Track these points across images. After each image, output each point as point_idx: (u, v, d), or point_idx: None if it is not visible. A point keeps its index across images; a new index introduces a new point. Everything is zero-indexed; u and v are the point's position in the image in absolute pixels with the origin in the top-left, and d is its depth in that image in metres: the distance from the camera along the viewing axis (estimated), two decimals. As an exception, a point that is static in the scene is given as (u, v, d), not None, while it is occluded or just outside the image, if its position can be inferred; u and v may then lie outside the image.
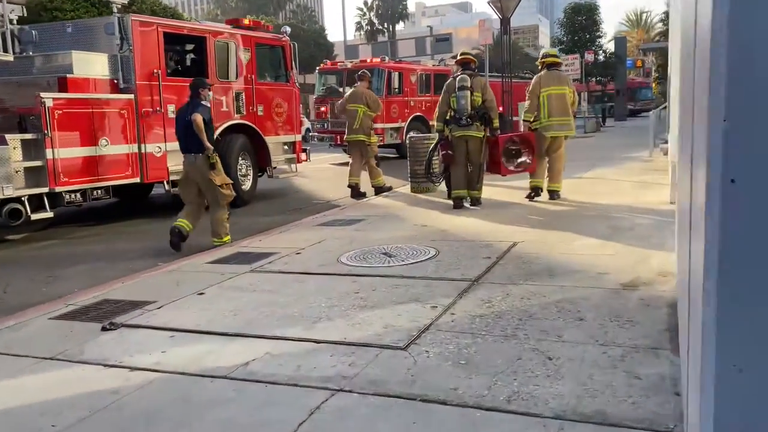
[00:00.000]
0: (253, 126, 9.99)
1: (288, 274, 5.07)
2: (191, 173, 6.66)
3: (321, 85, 18.62)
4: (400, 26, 75.97)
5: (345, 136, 10.22)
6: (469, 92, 7.66)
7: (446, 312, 3.81)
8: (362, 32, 68.95)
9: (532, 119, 8.11)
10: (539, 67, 8.46)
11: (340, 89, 17.80)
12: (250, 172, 10.09)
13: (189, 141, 6.53)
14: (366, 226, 7.14)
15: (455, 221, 7.07)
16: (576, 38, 32.39)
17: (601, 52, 34.14)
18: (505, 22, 13.85)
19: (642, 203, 7.52)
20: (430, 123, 18.08)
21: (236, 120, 9.70)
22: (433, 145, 8.48)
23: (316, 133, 18.49)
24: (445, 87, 8.00)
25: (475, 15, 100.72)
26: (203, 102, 6.64)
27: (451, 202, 8.12)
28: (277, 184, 11.69)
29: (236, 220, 8.65)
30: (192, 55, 9.91)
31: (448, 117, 7.89)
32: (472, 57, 8.33)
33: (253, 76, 9.97)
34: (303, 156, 11.32)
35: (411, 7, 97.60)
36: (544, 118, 8.01)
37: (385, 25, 69.22)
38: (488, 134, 7.89)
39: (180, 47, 9.87)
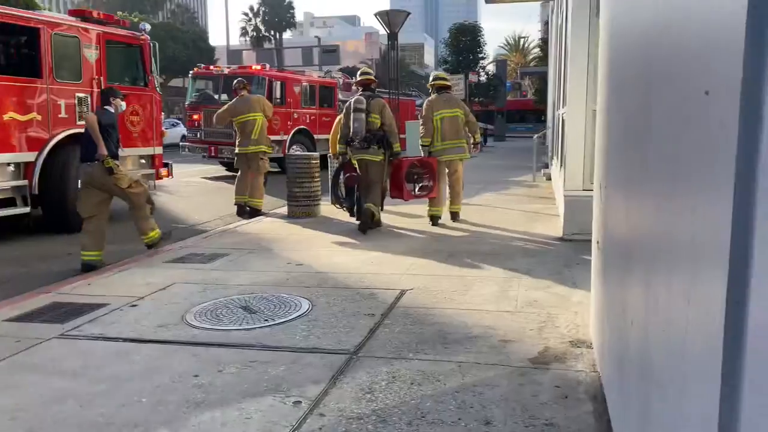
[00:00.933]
0: (101, 136, 8.46)
1: (111, 341, 3.86)
2: (91, 183, 6.14)
3: (194, 90, 17.06)
4: (287, 35, 74.51)
5: (238, 149, 9.02)
6: (364, 114, 7.35)
7: (313, 411, 2.83)
8: (247, 38, 66.71)
9: (429, 143, 7.93)
10: (429, 90, 8.28)
11: (216, 96, 16.40)
12: (96, 191, 8.54)
13: (85, 149, 6.14)
14: (229, 263, 6.01)
15: (336, 259, 6.13)
16: (461, 58, 32.93)
17: (483, 73, 35.00)
18: (392, 36, 13.23)
19: (534, 237, 7.02)
20: (315, 137, 17.26)
21: (78, 128, 8.15)
22: (337, 167, 8.09)
23: (187, 143, 16.85)
24: (344, 108, 7.75)
25: (363, 29, 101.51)
26: (108, 108, 6.33)
27: (330, 234, 7.28)
28: (133, 202, 10.13)
29: (73, 250, 7.19)
30: (25, 50, 8.22)
31: (348, 139, 7.58)
32: (372, 78, 7.96)
33: (101, 78, 8.47)
34: (164, 171, 9.87)
35: (299, 16, 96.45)
36: (438, 142, 7.84)
37: (272, 33, 67.44)
38: (390, 158, 7.65)
39: (7, 39, 8.18)
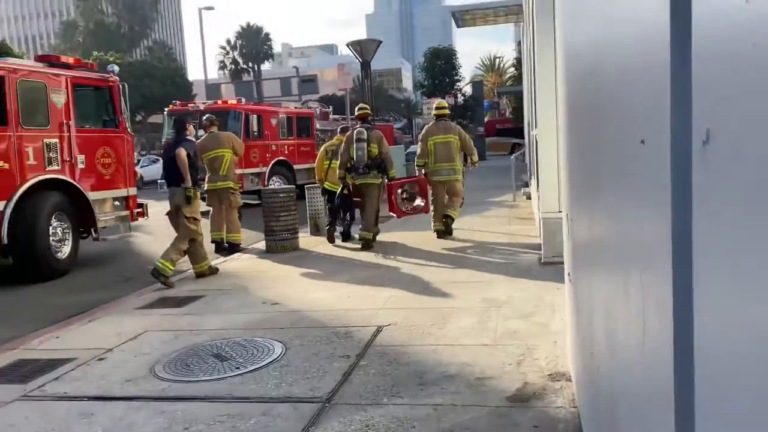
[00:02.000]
0: (71, 180, 8.32)
1: (75, 401, 3.70)
2: (171, 205, 7.05)
3: (170, 128, 16.96)
4: (265, 66, 74.91)
5: (207, 185, 8.96)
6: (366, 144, 8.31)
7: (282, 469, 2.70)
8: (226, 71, 66.94)
9: (422, 164, 8.85)
10: (433, 117, 9.36)
11: (193, 133, 16.36)
12: (68, 236, 8.36)
13: (170, 175, 7.00)
14: (202, 306, 5.86)
15: (313, 295, 6.01)
16: (437, 82, 33.22)
17: (460, 95, 35.32)
18: (365, 65, 13.28)
19: (514, 261, 6.96)
20: (294, 167, 17.17)
21: (47, 174, 8.00)
22: (339, 192, 8.78)
23: (164, 181, 16.69)
24: (345, 138, 8.72)
25: (341, 57, 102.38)
26: (188, 137, 7.14)
27: (308, 269, 7.23)
28: (107, 246, 9.95)
29: (43, 299, 7.04)
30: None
31: (348, 165, 8.48)
32: (368, 111, 9.18)
33: (70, 122, 8.35)
34: (139, 211, 9.71)
35: (277, 47, 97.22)
36: (432, 164, 8.73)
37: (250, 65, 67.76)
38: (386, 181, 8.64)
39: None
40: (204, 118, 9.32)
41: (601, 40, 1.69)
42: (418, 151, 8.99)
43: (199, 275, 7.20)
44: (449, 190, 8.80)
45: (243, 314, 5.43)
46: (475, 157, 9.29)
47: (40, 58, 8.90)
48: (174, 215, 7.09)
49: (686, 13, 0.80)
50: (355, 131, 8.47)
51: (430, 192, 8.95)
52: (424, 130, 9.21)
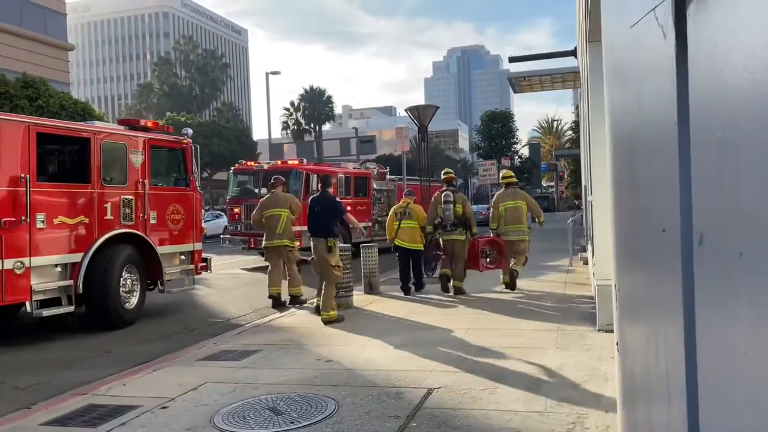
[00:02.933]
0: (142, 235, 8.87)
1: (139, 446, 3.92)
2: (315, 253, 8.14)
3: (236, 185, 17.80)
4: (326, 126, 77.59)
5: (264, 242, 9.69)
6: (452, 205, 9.57)
7: None
8: (288, 131, 69.70)
9: (495, 227, 10.00)
10: (501, 185, 11.03)
11: (256, 190, 17.06)
12: (137, 288, 8.84)
13: (317, 227, 8.14)
14: (260, 360, 6.07)
15: (365, 354, 6.13)
16: (493, 144, 33.58)
17: (516, 157, 35.52)
18: (422, 129, 13.71)
19: (568, 327, 6.90)
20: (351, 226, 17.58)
21: (122, 229, 8.56)
22: (426, 245, 9.98)
23: (228, 236, 17.40)
24: (434, 199, 10.10)
25: (399, 119, 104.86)
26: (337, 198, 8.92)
27: (361, 327, 7.32)
28: (172, 297, 10.42)
29: (111, 347, 7.42)
30: (75, 157, 8.82)
31: (435, 223, 9.74)
32: (453, 175, 10.62)
33: (145, 181, 8.97)
34: (203, 266, 10.18)
35: (338, 109, 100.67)
36: (502, 226, 9.93)
37: (312, 125, 70.36)
38: (469, 237, 9.74)
39: (61, 148, 8.82)
40: (273, 178, 10.06)
41: (635, 126, 1.85)
42: (491, 215, 10.31)
43: (327, 322, 7.79)
44: (516, 251, 9.87)
45: (297, 370, 5.60)
46: (542, 218, 10.51)
47: (121, 122, 9.68)
48: (318, 263, 8.11)
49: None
50: (443, 194, 9.72)
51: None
52: (495, 197, 10.54)
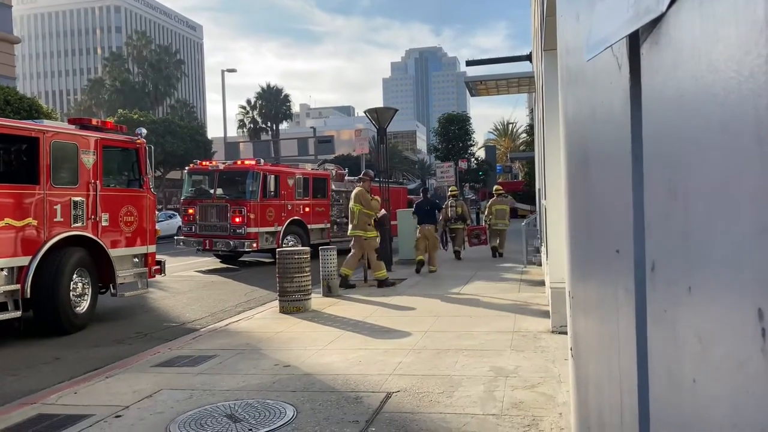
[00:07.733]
0: (94, 237, 8.62)
1: (92, 457, 3.82)
2: (425, 234, 13.26)
3: (190, 185, 17.45)
4: (284, 125, 76.85)
5: (349, 232, 11.63)
6: (454, 208, 15.48)
7: None
8: (245, 130, 68.74)
9: (488, 220, 16.70)
10: (493, 194, 17.58)
11: (211, 191, 16.78)
12: (88, 291, 8.59)
13: (426, 218, 13.56)
14: (216, 366, 5.99)
15: (324, 359, 6.12)
16: (450, 146, 33.92)
17: (473, 159, 35.98)
18: (381, 131, 13.76)
19: (523, 330, 7.05)
20: (309, 227, 17.47)
21: (72, 231, 8.31)
22: (441, 232, 15.30)
23: (182, 237, 17.06)
24: (444, 206, 15.60)
25: (357, 119, 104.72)
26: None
27: (319, 331, 7.31)
28: (125, 301, 10.17)
29: (61, 353, 7.21)
30: (23, 157, 8.51)
31: (446, 218, 15.39)
32: (457, 191, 16.70)
33: (97, 182, 8.73)
34: (157, 269, 9.96)
35: (296, 108, 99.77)
36: (492, 220, 16.37)
37: (269, 124, 69.58)
38: (465, 226, 15.91)
39: (8, 147, 8.50)
40: (362, 173, 12.23)
41: (589, 140, 1.92)
42: (486, 212, 17.36)
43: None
44: (500, 234, 16.20)
45: (255, 375, 5.56)
46: (525, 212, 17.66)
47: (72, 121, 9.38)
48: (421, 240, 13.31)
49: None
50: (449, 203, 15.61)
51: (488, 234, 16.34)
52: (489, 201, 17.55)
